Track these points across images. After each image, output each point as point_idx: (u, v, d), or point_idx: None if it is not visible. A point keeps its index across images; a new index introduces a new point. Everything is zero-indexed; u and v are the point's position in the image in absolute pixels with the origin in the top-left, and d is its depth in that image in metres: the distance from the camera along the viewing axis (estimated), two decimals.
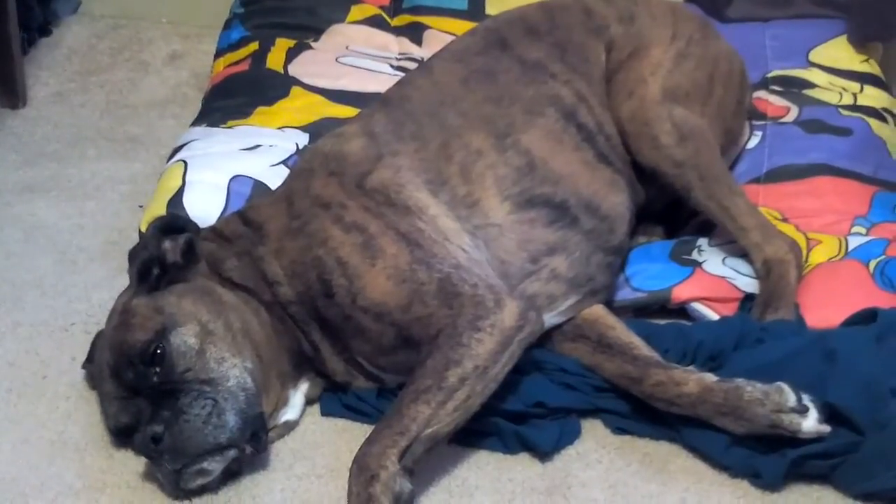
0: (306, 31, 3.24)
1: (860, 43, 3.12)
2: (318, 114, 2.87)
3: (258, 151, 2.71)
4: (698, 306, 2.41)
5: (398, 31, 3.28)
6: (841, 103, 2.91)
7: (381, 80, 2.94)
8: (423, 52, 3.14)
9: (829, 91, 2.96)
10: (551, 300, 2.26)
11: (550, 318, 2.25)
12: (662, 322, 2.39)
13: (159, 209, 2.52)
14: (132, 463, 2.10)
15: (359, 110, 2.61)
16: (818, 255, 2.48)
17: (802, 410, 2.02)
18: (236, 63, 3.11)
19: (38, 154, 3.05)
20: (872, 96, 2.96)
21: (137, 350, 2.02)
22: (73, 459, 2.12)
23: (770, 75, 3.02)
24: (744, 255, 2.47)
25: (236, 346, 2.08)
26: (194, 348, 2.04)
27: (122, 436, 2.10)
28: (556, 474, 2.10)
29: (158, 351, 2.02)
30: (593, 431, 2.18)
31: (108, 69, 3.46)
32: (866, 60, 3.09)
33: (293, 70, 3.07)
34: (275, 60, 3.10)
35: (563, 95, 2.43)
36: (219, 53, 3.21)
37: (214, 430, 1.98)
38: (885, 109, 2.92)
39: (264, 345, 2.14)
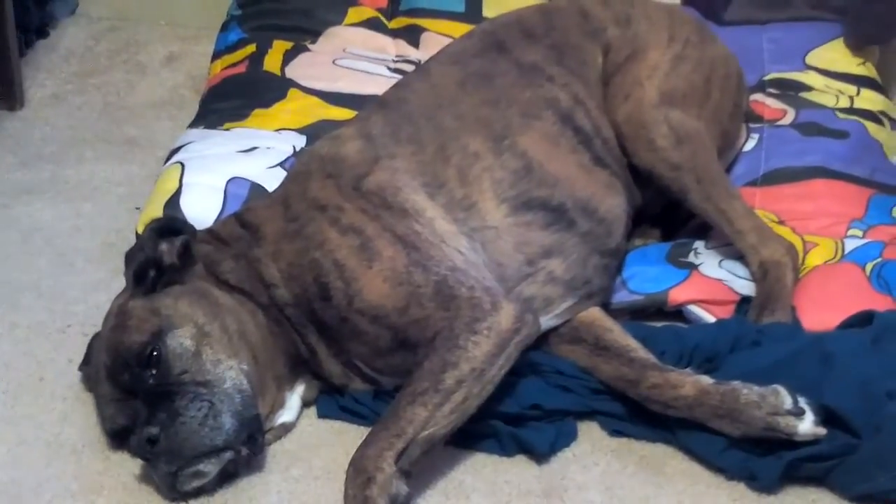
0: (303, 33, 3.24)
1: (857, 46, 3.12)
2: (315, 116, 2.87)
3: (255, 153, 2.71)
4: (695, 309, 2.41)
5: (395, 34, 3.28)
6: (838, 106, 2.91)
7: (378, 83, 2.94)
8: (421, 55, 3.15)
9: (826, 94, 2.97)
10: (548, 303, 2.26)
11: (547, 321, 2.26)
12: (659, 324, 2.39)
13: (156, 211, 2.52)
14: (129, 465, 2.10)
15: (356, 113, 2.61)
16: (814, 258, 2.48)
17: (798, 413, 2.03)
18: (233, 65, 3.11)
19: (35, 156, 3.05)
20: (869, 99, 2.96)
21: (134, 352, 2.02)
22: (69, 461, 2.12)
23: (767, 78, 3.02)
24: (740, 257, 2.47)
25: (232, 348, 2.08)
26: (190, 350, 2.04)
27: (119, 438, 2.10)
28: (553, 476, 2.10)
29: (155, 353, 2.02)
30: (590, 434, 2.19)
31: (106, 71, 3.46)
32: (863, 63, 3.09)
33: (290, 72, 3.07)
34: (272, 62, 3.10)
35: (560, 98, 2.43)
36: (216, 55, 3.21)
37: (210, 432, 1.98)
38: (882, 112, 2.92)
39: (260, 347, 2.14)
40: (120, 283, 2.23)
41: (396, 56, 3.20)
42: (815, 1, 3.22)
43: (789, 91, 2.97)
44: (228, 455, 2.01)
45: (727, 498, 2.05)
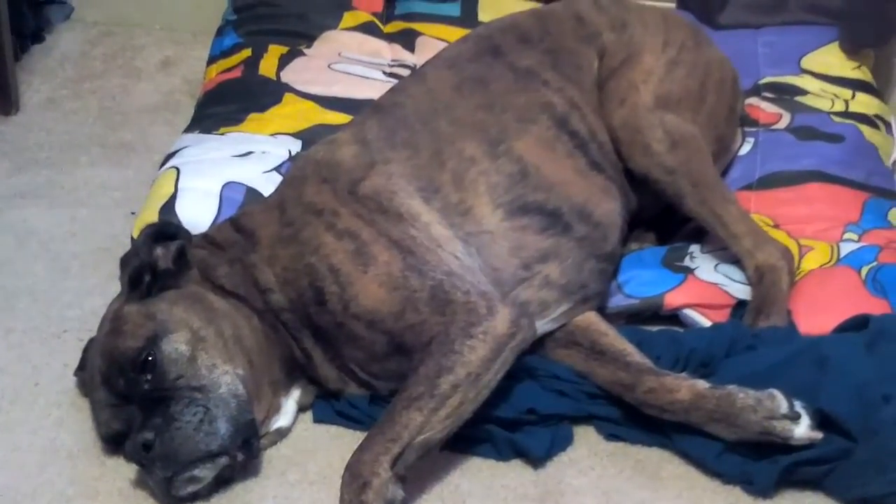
0: (299, 37, 3.24)
1: (852, 50, 3.13)
2: (310, 120, 2.87)
3: (250, 158, 2.71)
4: (690, 313, 2.41)
5: (391, 38, 3.28)
6: (833, 110, 2.91)
7: (373, 87, 2.94)
8: (416, 59, 3.14)
9: (821, 98, 2.97)
10: (544, 307, 2.26)
11: (543, 325, 2.25)
12: (655, 329, 2.39)
13: (151, 216, 2.52)
14: (124, 470, 2.09)
15: (351, 117, 2.61)
16: (810, 262, 2.48)
17: (794, 417, 2.03)
18: (229, 70, 3.11)
19: (30, 161, 3.04)
20: (864, 103, 2.97)
21: (129, 357, 2.02)
22: (65, 466, 2.12)
23: (762, 82, 3.03)
24: (736, 261, 2.47)
25: (228, 352, 2.08)
26: (185, 355, 2.04)
27: (114, 443, 2.10)
28: (549, 481, 2.10)
29: (150, 358, 2.02)
30: (586, 438, 2.19)
31: (101, 76, 3.45)
32: (858, 67, 3.10)
33: (286, 77, 3.06)
34: (267, 67, 3.09)
35: (556, 103, 2.43)
36: (211, 60, 3.21)
37: (206, 438, 1.98)
38: (877, 116, 2.93)
39: (256, 352, 2.13)
40: (115, 287, 2.23)
41: (392, 60, 3.20)
42: (809, 5, 3.22)
43: (784, 95, 2.98)
44: (224, 460, 2.01)
45: (723, 502, 2.05)
